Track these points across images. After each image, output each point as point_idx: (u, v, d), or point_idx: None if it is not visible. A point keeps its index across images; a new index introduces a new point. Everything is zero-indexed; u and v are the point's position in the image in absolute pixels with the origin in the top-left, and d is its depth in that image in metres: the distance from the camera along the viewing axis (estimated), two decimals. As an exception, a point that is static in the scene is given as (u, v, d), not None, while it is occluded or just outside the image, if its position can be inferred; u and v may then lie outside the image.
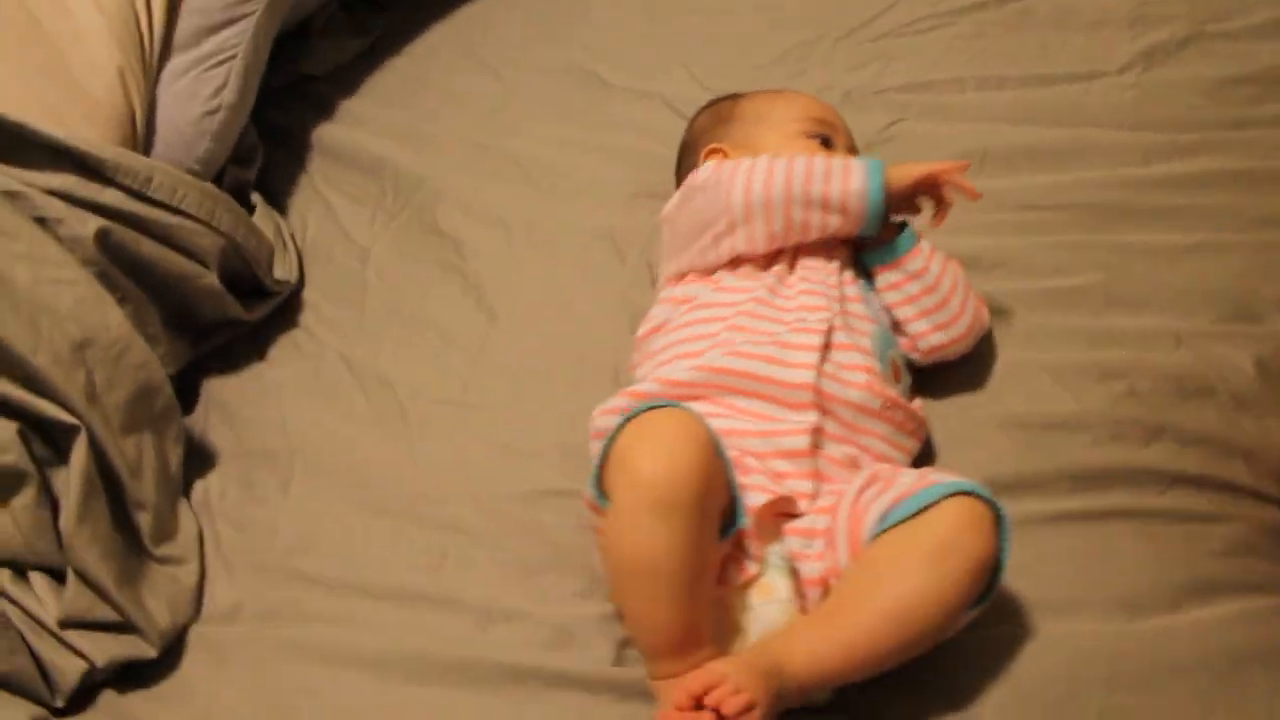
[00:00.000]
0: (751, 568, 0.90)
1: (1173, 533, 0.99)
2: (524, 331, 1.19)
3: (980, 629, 0.91)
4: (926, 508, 0.85)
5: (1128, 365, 1.10)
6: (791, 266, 1.07)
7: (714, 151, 1.17)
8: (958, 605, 0.84)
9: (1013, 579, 0.94)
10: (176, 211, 1.09)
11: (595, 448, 0.97)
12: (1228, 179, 1.29)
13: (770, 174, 1.03)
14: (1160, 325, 1.14)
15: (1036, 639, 0.92)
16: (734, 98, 1.25)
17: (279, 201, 1.34)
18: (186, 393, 1.16)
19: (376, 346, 1.19)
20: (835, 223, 1.03)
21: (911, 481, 0.89)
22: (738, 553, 0.90)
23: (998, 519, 0.86)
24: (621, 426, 0.86)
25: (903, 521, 0.85)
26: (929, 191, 1.07)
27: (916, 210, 1.09)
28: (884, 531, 0.86)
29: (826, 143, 1.17)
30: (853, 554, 0.88)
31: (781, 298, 1.04)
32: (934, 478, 0.89)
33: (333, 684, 0.94)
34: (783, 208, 1.03)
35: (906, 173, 1.05)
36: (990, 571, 0.85)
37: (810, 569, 0.90)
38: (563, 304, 1.22)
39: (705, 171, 1.09)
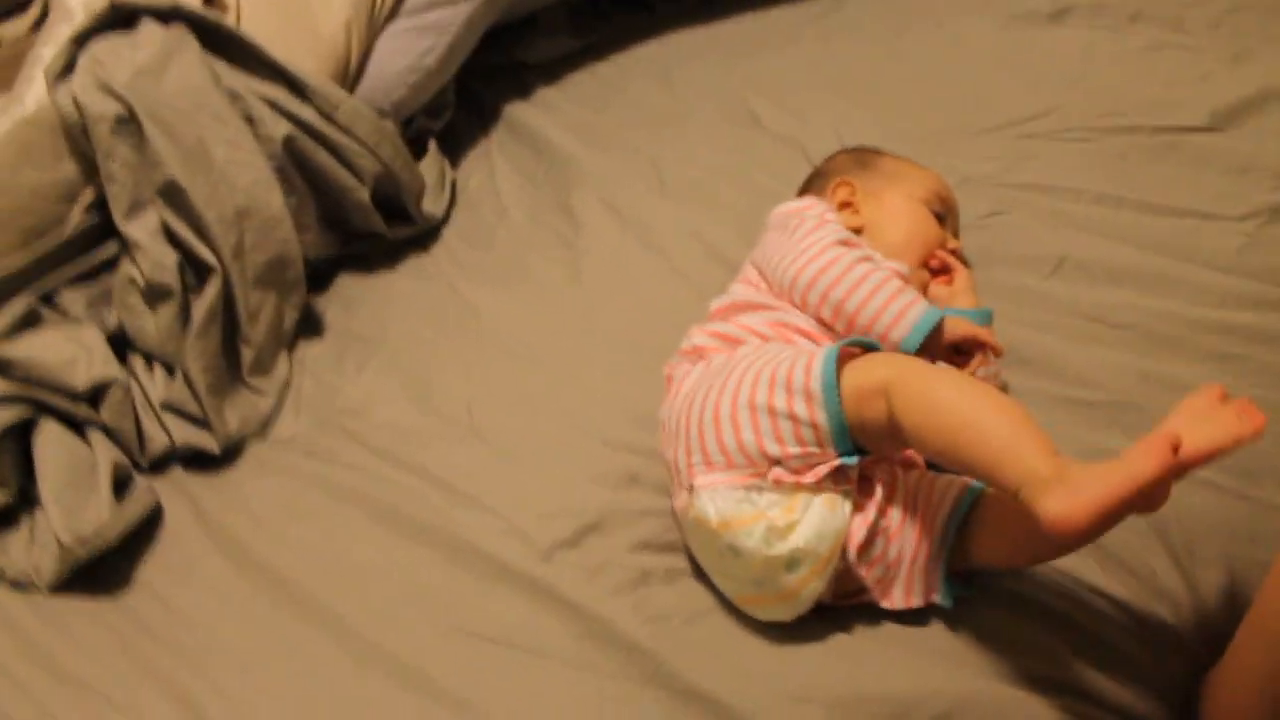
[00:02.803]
0: None
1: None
2: (601, 300, 1.40)
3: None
4: None
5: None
6: None
7: (843, 184, 1.30)
8: None
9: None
10: (350, 135, 1.38)
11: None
12: (1297, 344, 1.32)
13: (836, 279, 1.12)
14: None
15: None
16: (876, 151, 1.39)
17: (455, 155, 1.62)
18: (326, 279, 1.46)
19: (480, 284, 1.43)
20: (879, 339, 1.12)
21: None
22: None
23: None
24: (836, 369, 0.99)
25: None
26: (969, 346, 1.17)
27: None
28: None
29: (940, 219, 1.31)
30: None
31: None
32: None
33: (336, 515, 1.19)
34: (823, 309, 1.13)
35: (953, 330, 1.14)
36: None
37: None
38: (644, 288, 1.41)
39: (811, 212, 1.22)
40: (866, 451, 1.02)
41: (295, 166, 1.36)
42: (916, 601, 1.06)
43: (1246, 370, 1.28)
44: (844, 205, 1.29)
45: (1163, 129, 1.59)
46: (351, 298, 1.43)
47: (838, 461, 1.01)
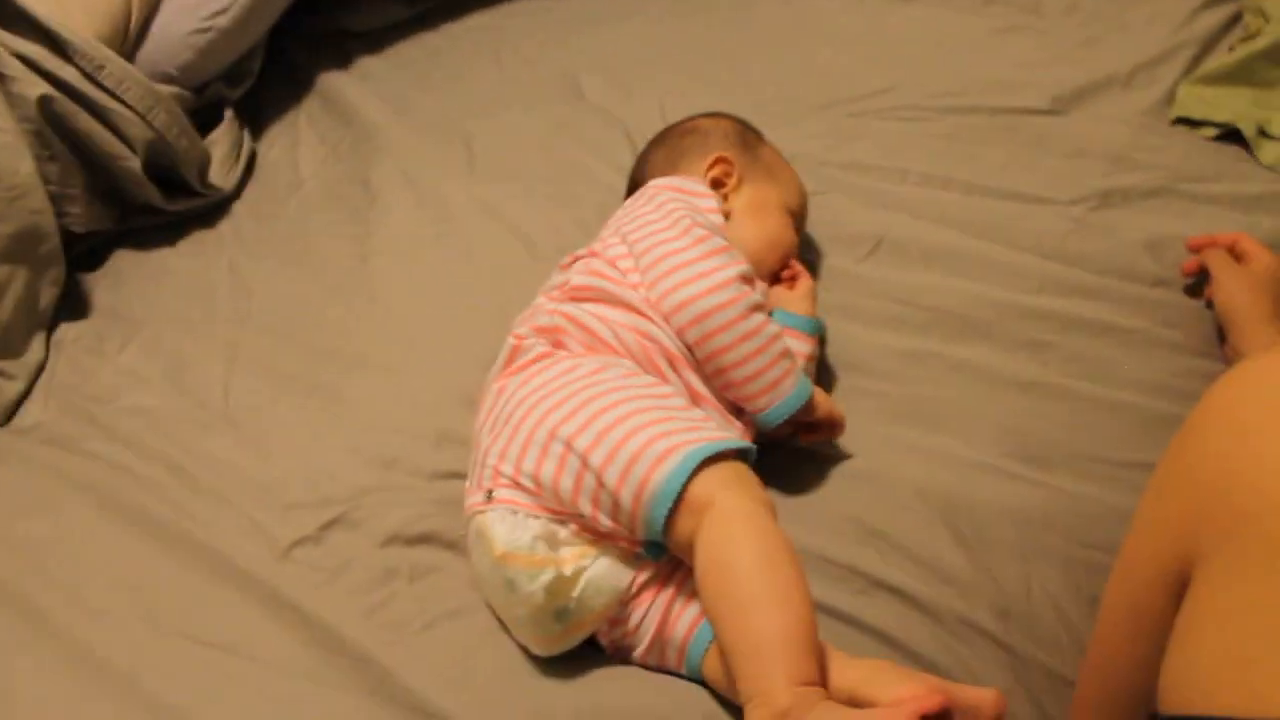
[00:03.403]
0: None
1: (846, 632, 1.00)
2: (384, 280, 1.31)
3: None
4: None
5: (893, 477, 1.11)
6: None
7: (722, 162, 1.20)
8: None
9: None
10: (117, 99, 1.28)
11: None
12: (1114, 332, 1.25)
13: (726, 323, 1.02)
14: (950, 450, 1.13)
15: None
16: (759, 134, 1.29)
17: (261, 125, 1.52)
18: (102, 254, 1.36)
19: (259, 260, 1.35)
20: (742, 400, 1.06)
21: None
22: None
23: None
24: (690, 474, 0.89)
25: None
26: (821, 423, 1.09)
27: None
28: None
29: (797, 228, 1.25)
30: None
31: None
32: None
33: (66, 510, 1.09)
34: (699, 346, 1.03)
35: (818, 406, 1.08)
36: None
37: None
38: (431, 268, 1.33)
39: (707, 203, 1.12)
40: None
41: (55, 130, 1.26)
42: (651, 663, 0.97)
43: (1056, 358, 1.23)
44: (715, 184, 1.20)
45: (1002, 110, 1.53)
46: (123, 275, 1.34)
47: (639, 550, 0.94)
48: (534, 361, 1.03)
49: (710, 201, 1.15)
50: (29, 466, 1.14)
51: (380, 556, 1.03)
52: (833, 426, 1.10)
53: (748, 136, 1.27)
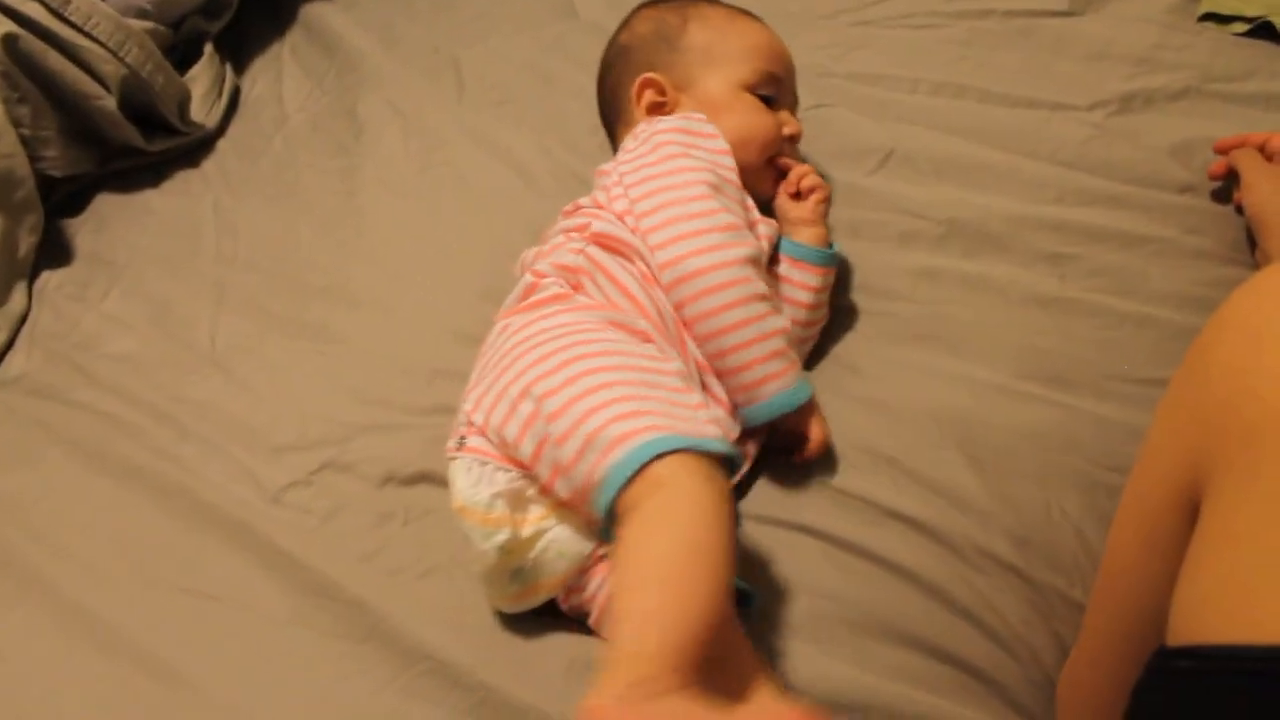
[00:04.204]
0: None
1: (859, 565, 0.96)
2: (370, 215, 1.26)
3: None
4: None
5: (906, 401, 1.05)
6: None
7: (649, 85, 1.08)
8: None
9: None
10: (87, 35, 1.23)
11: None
12: (1139, 243, 1.19)
13: (726, 304, 0.94)
14: (966, 372, 1.07)
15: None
16: (682, 9, 1.12)
17: (244, 59, 1.47)
18: (83, 198, 1.32)
19: (245, 198, 1.30)
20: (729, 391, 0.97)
21: None
22: None
23: None
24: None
25: None
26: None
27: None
28: None
29: (768, 101, 1.11)
30: None
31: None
32: None
33: (52, 461, 1.07)
34: (696, 324, 0.95)
35: (807, 419, 0.99)
36: None
37: None
38: (418, 201, 1.28)
39: (706, 157, 1.00)
40: None
41: (23, 70, 1.21)
42: (603, 633, 0.90)
43: (1076, 272, 1.17)
44: (653, 110, 1.09)
45: (1017, 13, 1.45)
46: (105, 219, 1.30)
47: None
48: (545, 303, 0.96)
49: (719, 142, 1.03)
50: (14, 419, 1.11)
51: (375, 499, 1.00)
52: (806, 446, 0.99)
53: (667, 26, 1.11)
